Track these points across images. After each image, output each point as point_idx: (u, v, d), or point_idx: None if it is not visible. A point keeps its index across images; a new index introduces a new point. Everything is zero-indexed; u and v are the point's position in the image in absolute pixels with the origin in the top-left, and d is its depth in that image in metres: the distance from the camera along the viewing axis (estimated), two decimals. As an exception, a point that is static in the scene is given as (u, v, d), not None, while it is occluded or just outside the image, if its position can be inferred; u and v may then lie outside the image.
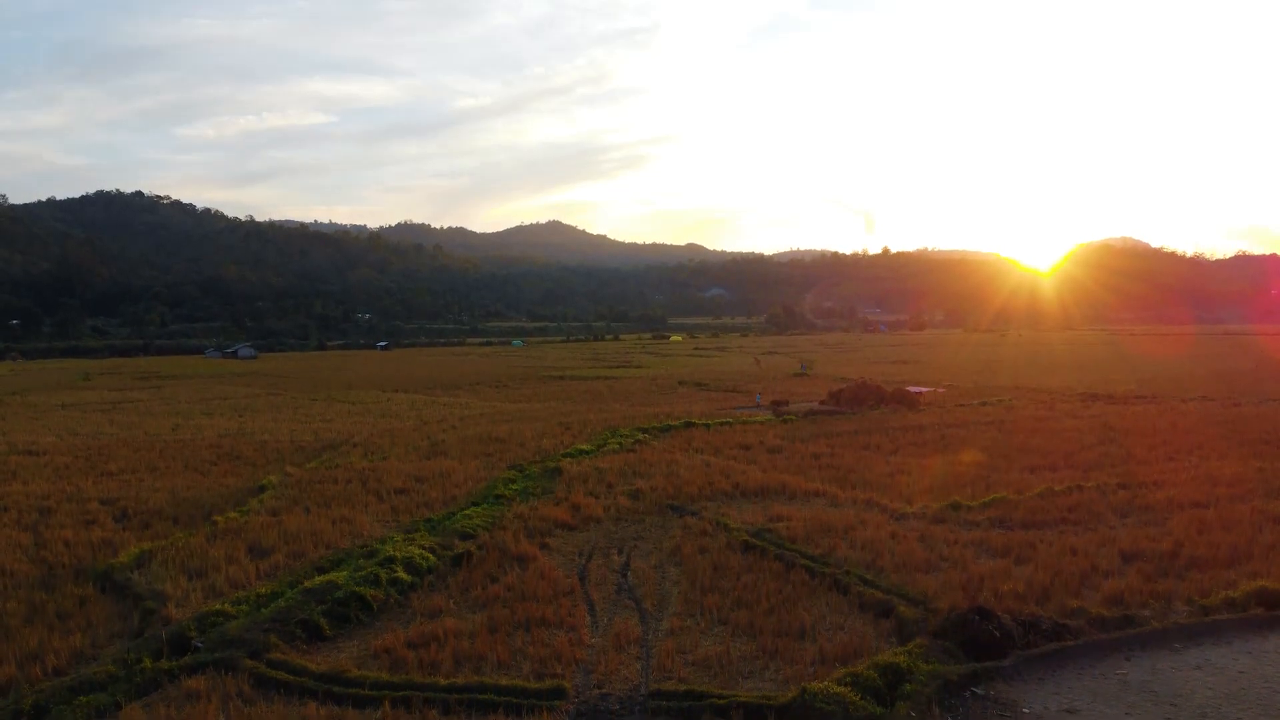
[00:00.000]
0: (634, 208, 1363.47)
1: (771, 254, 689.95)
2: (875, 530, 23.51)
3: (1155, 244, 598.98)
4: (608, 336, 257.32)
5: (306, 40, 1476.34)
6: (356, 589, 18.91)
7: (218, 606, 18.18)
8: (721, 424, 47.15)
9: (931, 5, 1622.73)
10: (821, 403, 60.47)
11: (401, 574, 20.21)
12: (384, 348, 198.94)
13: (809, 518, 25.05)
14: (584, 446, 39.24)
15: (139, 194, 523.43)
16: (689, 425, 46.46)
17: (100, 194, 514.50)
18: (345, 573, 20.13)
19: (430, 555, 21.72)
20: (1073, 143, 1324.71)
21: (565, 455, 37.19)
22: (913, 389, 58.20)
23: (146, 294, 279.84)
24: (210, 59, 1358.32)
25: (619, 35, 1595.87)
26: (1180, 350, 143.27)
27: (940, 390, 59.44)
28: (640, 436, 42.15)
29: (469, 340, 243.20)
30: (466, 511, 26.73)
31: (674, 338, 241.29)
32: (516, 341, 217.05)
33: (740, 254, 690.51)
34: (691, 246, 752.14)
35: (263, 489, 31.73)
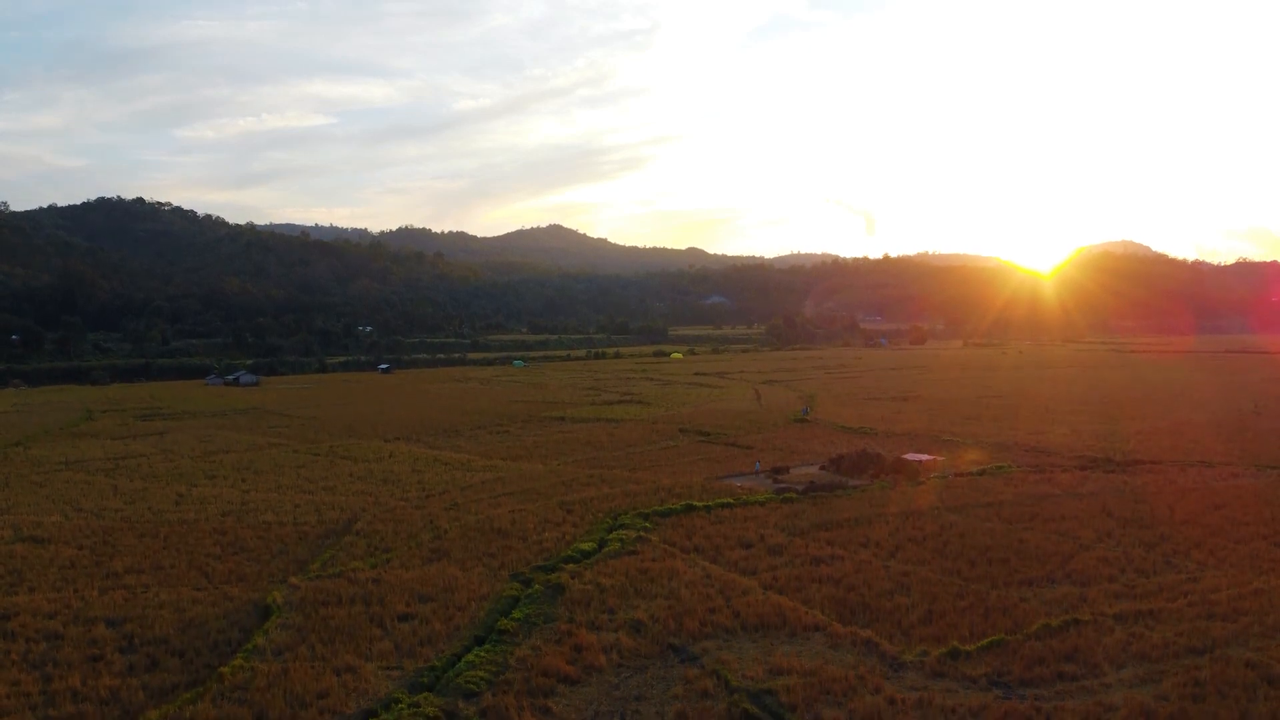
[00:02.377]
0: (634, 209, 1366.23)
1: (771, 256, 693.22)
2: (873, 696, 23.85)
3: (1156, 248, 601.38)
4: (609, 351, 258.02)
5: (306, 41, 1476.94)
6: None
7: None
8: (721, 506, 47.51)
9: (932, 7, 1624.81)
10: (822, 467, 60.90)
11: (406, 766, 20.53)
12: (385, 370, 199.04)
13: (808, 672, 25.42)
14: (585, 546, 39.68)
15: (140, 200, 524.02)
16: (689, 509, 46.86)
17: (101, 200, 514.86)
18: (351, 766, 20.45)
19: (434, 733, 22.06)
20: (1073, 146, 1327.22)
21: (567, 559, 37.72)
22: (911, 457, 58.63)
23: (148, 308, 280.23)
24: (209, 60, 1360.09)
25: (618, 36, 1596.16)
26: (1182, 370, 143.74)
27: (939, 459, 59.77)
28: (641, 529, 42.54)
29: (470, 356, 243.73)
30: (469, 657, 27.10)
31: (674, 354, 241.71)
32: (518, 361, 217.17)
33: (740, 258, 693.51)
34: (692, 250, 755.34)
35: (268, 611, 32.15)
